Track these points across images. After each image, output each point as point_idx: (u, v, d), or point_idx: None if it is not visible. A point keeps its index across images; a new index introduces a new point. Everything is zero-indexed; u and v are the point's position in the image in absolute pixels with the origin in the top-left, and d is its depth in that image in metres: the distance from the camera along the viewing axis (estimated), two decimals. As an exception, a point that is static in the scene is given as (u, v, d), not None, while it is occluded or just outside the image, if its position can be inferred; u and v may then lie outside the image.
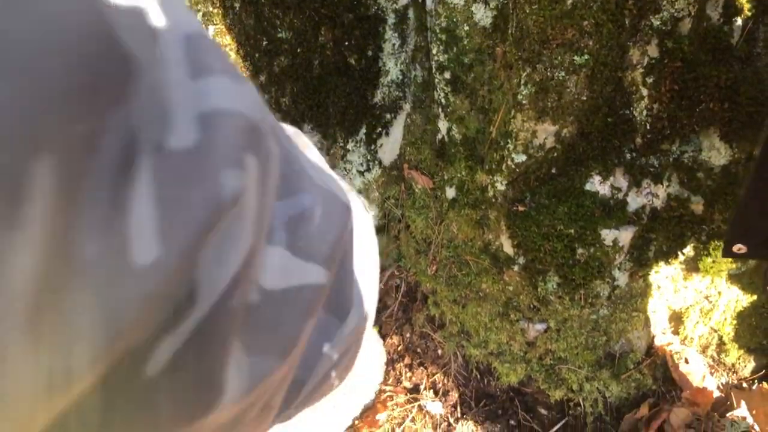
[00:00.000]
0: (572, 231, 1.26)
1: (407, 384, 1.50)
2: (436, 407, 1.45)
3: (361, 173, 1.45)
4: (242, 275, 0.24)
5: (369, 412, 1.48)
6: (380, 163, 1.48)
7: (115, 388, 0.21)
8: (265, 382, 0.28)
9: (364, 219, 0.39)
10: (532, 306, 1.36)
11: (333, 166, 1.37)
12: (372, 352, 1.49)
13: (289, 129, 0.37)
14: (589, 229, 1.25)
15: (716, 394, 1.41)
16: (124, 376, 0.21)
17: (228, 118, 0.23)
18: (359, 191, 1.49)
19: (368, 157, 1.44)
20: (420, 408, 1.45)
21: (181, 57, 0.22)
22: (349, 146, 1.37)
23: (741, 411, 1.36)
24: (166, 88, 0.21)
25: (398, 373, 1.53)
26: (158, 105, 0.20)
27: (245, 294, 0.25)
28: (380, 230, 1.60)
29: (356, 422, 1.48)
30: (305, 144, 0.37)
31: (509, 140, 1.24)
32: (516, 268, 1.34)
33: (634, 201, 1.25)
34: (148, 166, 0.19)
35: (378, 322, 1.56)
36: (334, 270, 0.33)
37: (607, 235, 1.25)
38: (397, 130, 1.46)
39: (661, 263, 1.32)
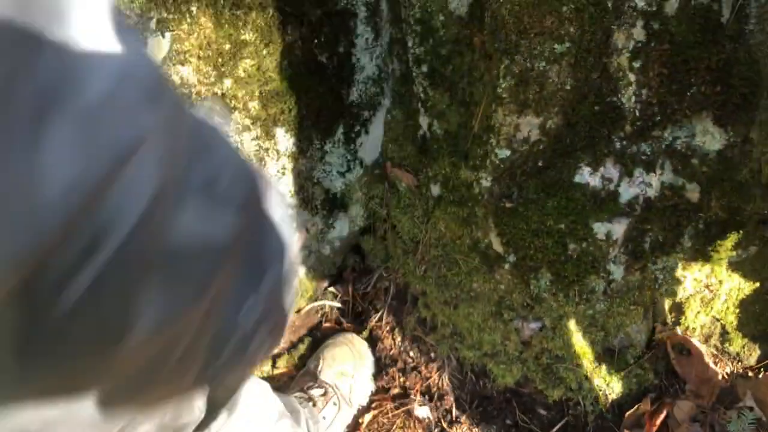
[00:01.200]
0: (563, 226, 1.22)
1: (396, 390, 1.47)
2: (423, 411, 1.42)
3: (342, 174, 1.41)
4: (152, 214, 0.26)
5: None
6: (361, 162, 1.43)
7: (30, 318, 0.23)
8: (177, 322, 0.30)
9: (276, 197, 0.43)
10: (525, 304, 1.33)
11: (311, 168, 1.33)
12: (364, 367, 1.46)
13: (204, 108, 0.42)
14: (580, 224, 1.21)
15: (721, 385, 1.38)
16: (40, 305, 0.23)
17: (134, 77, 0.26)
18: (342, 193, 1.45)
19: (348, 157, 1.40)
20: (408, 413, 1.42)
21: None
22: (327, 147, 1.33)
23: (748, 401, 1.33)
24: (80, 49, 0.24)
25: (391, 378, 1.49)
26: (72, 60, 0.23)
27: (156, 234, 0.27)
28: (366, 231, 1.56)
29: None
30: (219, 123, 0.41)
31: (492, 135, 1.19)
32: (507, 266, 1.30)
33: (627, 191, 1.21)
34: (62, 111, 0.22)
35: (368, 326, 1.53)
36: (246, 222, 0.35)
37: (600, 228, 1.21)
38: (377, 128, 1.41)
39: (658, 254, 1.27)
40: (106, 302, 0.25)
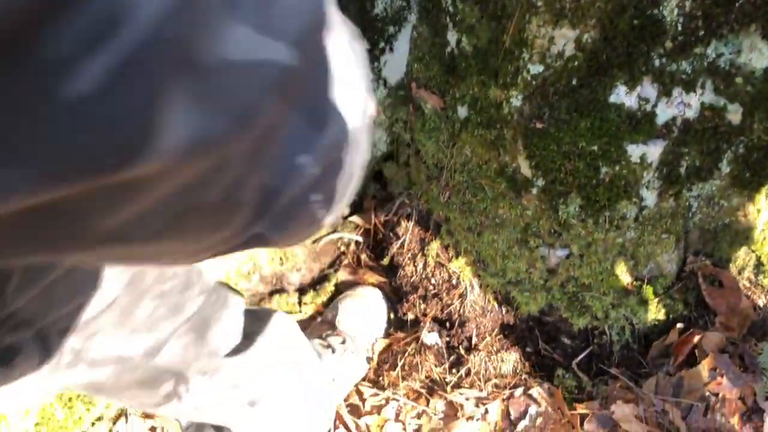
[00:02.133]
0: (595, 148, 1.17)
1: (412, 317, 1.46)
2: (431, 338, 1.42)
3: (365, 94, 1.37)
4: (189, 7, 0.22)
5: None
6: (385, 82, 1.39)
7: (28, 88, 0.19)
8: (216, 147, 0.26)
9: (345, 38, 0.37)
10: (552, 231, 1.30)
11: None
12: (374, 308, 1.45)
13: None
14: (614, 146, 1.16)
15: (753, 317, 1.35)
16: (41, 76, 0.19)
17: None
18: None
19: (371, 77, 1.35)
20: (419, 340, 1.42)
21: None
22: (350, 64, 1.28)
23: (779, 334, 1.30)
24: None
25: (411, 304, 1.48)
26: None
27: (193, 36, 0.22)
28: (389, 157, 1.53)
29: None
30: None
31: (524, 49, 1.14)
32: (535, 190, 1.26)
33: (664, 112, 1.16)
34: None
35: (389, 253, 1.51)
36: (306, 57, 0.30)
37: (634, 150, 1.16)
38: (403, 45, 1.36)
39: (694, 180, 1.23)
40: (126, 97, 0.21)
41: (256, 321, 1.06)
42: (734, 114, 1.15)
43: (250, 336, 1.02)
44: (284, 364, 1.09)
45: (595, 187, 1.20)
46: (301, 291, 1.53)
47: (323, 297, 1.53)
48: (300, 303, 1.52)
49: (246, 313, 1.04)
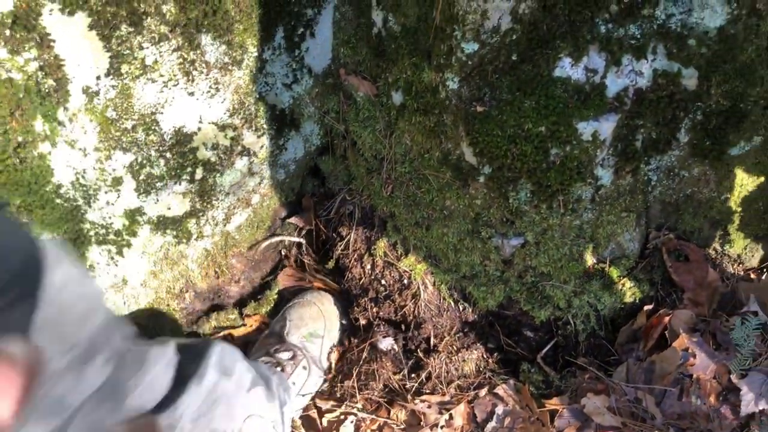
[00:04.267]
0: (543, 129, 1.07)
1: (365, 322, 1.36)
2: (386, 343, 1.33)
3: (288, 86, 1.24)
4: None
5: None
6: (310, 71, 1.26)
7: None
8: None
9: None
10: (504, 220, 1.20)
11: (251, 81, 1.16)
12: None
13: None
14: (562, 124, 1.07)
15: (722, 290, 1.28)
16: None
17: None
18: (290, 108, 1.28)
19: (293, 66, 1.22)
20: (373, 346, 1.32)
21: None
22: (266, 55, 1.15)
23: (752, 305, 1.23)
24: None
25: (363, 309, 1.38)
26: None
27: None
28: (324, 150, 1.41)
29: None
30: None
31: (456, 26, 1.03)
32: (482, 179, 1.16)
33: (614, 83, 1.06)
34: None
35: (334, 255, 1.41)
36: None
37: (585, 128, 1.07)
38: (325, 28, 1.23)
39: (651, 153, 1.14)
40: None
41: (191, 360, 0.95)
42: (690, 79, 1.06)
43: (183, 381, 0.92)
44: (224, 405, 0.99)
45: (545, 171, 1.10)
46: (241, 303, 1.42)
47: (266, 307, 1.42)
48: (242, 316, 1.40)
49: (181, 350, 0.93)
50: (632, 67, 1.06)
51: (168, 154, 1.13)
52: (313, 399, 1.33)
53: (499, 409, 1.30)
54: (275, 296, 1.43)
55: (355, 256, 1.37)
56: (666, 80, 1.06)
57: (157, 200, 1.17)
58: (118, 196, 1.11)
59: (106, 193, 1.09)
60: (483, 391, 1.31)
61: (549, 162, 1.10)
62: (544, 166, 1.10)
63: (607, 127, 1.07)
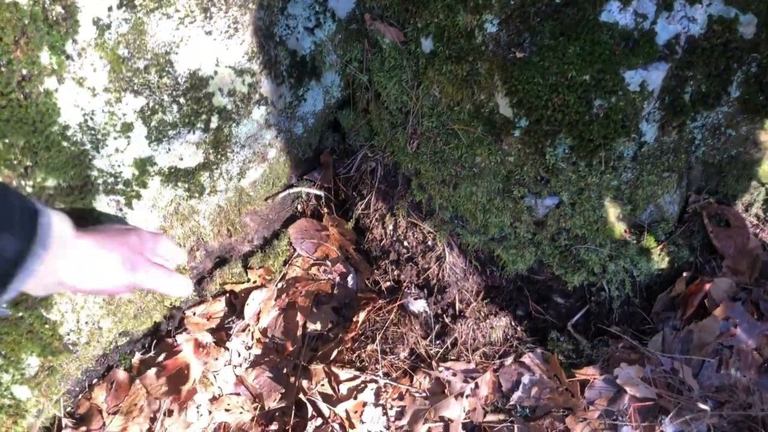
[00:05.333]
0: (587, 77, 1.00)
1: (387, 284, 1.30)
2: (418, 305, 1.26)
3: (310, 30, 1.17)
4: None
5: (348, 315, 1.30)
6: (333, 15, 1.19)
7: None
8: None
9: None
10: (539, 178, 1.14)
11: (271, 23, 1.09)
12: None
13: None
14: (608, 73, 1.00)
15: (764, 258, 1.22)
16: None
17: None
18: (312, 55, 1.20)
19: (316, 8, 1.15)
20: (402, 308, 1.26)
21: None
22: (289, -5, 1.08)
23: (793, 274, 1.18)
24: None
25: (383, 272, 1.32)
26: None
27: None
28: (345, 103, 1.34)
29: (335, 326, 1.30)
30: None
31: (498, -38, 0.95)
32: (517, 132, 1.09)
33: (665, 30, 0.99)
34: None
35: (354, 215, 1.34)
36: None
37: (632, 78, 1.00)
38: (351, -31, 1.16)
39: (699, 108, 1.07)
40: None
41: None
42: (747, 26, 0.99)
43: None
44: None
45: (587, 124, 1.04)
46: (248, 254, 1.35)
47: (273, 259, 1.36)
48: (246, 269, 1.34)
49: None
50: (685, 12, 0.99)
51: (182, 100, 1.06)
52: (329, 367, 1.28)
53: (526, 379, 1.24)
54: (285, 247, 1.36)
55: (377, 216, 1.30)
56: (721, 27, 0.99)
57: (169, 150, 1.10)
58: (128, 143, 1.04)
59: (115, 139, 1.02)
60: (509, 360, 1.25)
61: (592, 114, 1.03)
62: (586, 119, 1.03)
63: (656, 76, 1.00)
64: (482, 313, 1.25)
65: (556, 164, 1.10)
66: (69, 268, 0.80)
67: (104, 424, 1.26)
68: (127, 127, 1.02)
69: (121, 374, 1.31)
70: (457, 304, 1.26)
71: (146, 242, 0.95)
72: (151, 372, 1.29)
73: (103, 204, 1.07)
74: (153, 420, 1.28)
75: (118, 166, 1.05)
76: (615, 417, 1.17)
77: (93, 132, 0.99)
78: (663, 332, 1.19)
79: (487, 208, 1.19)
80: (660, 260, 1.19)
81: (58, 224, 0.76)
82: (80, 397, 1.29)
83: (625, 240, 1.18)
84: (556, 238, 1.18)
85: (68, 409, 1.28)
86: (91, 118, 0.97)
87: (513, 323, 1.26)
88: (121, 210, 1.10)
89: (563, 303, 1.23)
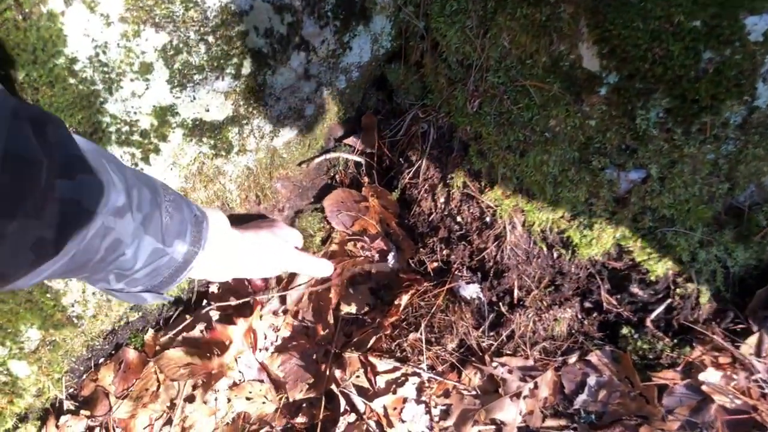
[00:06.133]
0: (698, 23, 0.84)
1: (435, 265, 1.15)
2: (471, 290, 1.11)
3: (362, -36, 1.01)
4: None
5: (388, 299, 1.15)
6: (388, -53, 1.03)
7: None
8: None
9: None
10: (624, 147, 0.97)
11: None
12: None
13: None
14: (725, 18, 0.83)
15: None
16: None
17: None
18: (361, -4, 1.05)
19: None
20: (452, 293, 1.11)
21: None
22: None
23: None
24: None
25: (430, 250, 1.17)
26: None
27: None
28: (394, 56, 1.17)
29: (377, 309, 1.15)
30: None
31: None
32: (603, 90, 0.93)
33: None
34: None
35: (400, 185, 1.19)
36: None
37: (755, 25, 0.83)
38: None
39: (827, 66, 0.90)
40: None
41: None
42: None
43: None
44: None
45: (692, 82, 0.87)
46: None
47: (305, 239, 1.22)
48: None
49: None
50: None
51: (210, 38, 0.91)
52: (365, 356, 1.13)
53: (592, 380, 1.09)
54: (318, 225, 1.22)
55: (426, 186, 1.15)
56: None
57: (194, 98, 0.96)
58: (147, 87, 0.90)
59: (132, 81, 0.88)
60: (573, 358, 1.10)
61: (699, 69, 0.86)
62: (692, 75, 0.86)
63: (783, 24, 0.83)
64: (545, 303, 1.10)
65: (647, 130, 0.93)
66: (231, 260, 0.93)
67: (111, 408, 1.13)
68: (146, 68, 0.88)
69: (131, 353, 1.18)
70: (516, 292, 1.11)
71: (280, 224, 1.09)
72: (171, 352, 1.16)
73: (116, 156, 0.93)
74: (172, 406, 1.14)
75: (135, 113, 0.91)
76: (699, 430, 1.01)
77: (106, 70, 0.84)
78: (760, 334, 1.02)
79: (559, 181, 1.02)
80: (760, 249, 1.02)
81: (215, 225, 0.88)
82: (85, 377, 1.16)
83: (720, 224, 1.01)
84: (639, 218, 1.02)
85: (71, 390, 1.15)
86: (104, 53, 0.82)
87: (580, 316, 1.11)
88: (136, 165, 0.96)
89: (641, 295, 1.07)
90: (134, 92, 0.89)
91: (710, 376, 1.02)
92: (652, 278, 1.04)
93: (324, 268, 1.10)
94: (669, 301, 1.06)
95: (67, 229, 0.59)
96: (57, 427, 1.11)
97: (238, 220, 1.10)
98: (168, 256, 0.77)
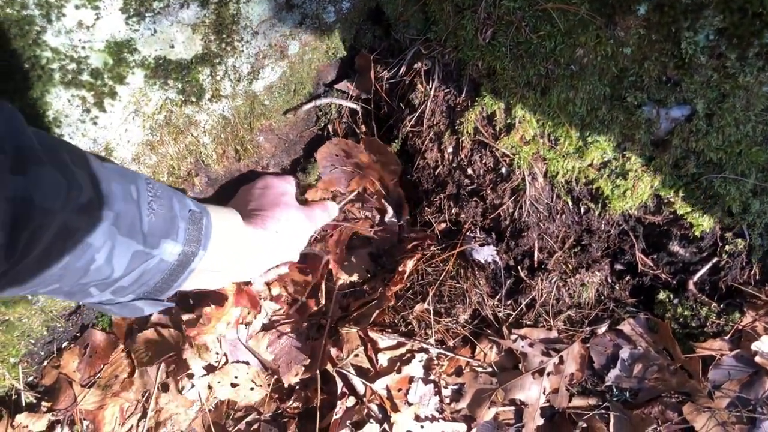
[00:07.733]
0: None
1: (443, 226, 1.02)
2: (485, 253, 0.98)
3: None
4: None
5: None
6: None
7: None
8: None
9: None
10: (665, 78, 0.84)
11: None
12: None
13: None
14: None
15: None
16: None
17: None
18: None
19: None
20: (463, 256, 0.99)
21: None
22: None
23: None
24: None
25: (437, 209, 1.04)
26: None
27: None
28: (392, -18, 1.03)
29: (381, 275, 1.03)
30: None
31: None
32: (642, 9, 0.80)
33: None
34: None
35: (400, 133, 1.05)
36: None
37: None
38: None
39: None
40: None
41: None
42: None
43: None
44: None
45: (753, -6, 0.73)
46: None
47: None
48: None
49: None
50: None
51: (170, -45, 0.77)
52: (365, 333, 1.00)
53: (625, 353, 0.97)
54: (314, 179, 1.09)
55: (431, 134, 1.01)
56: None
57: (155, 31, 0.82)
58: (97, 17, 0.76)
59: (77, 8, 0.74)
60: (603, 328, 0.98)
61: (763, -24, 0.73)
62: (753, -15, 0.73)
63: None
64: (570, 266, 0.97)
65: (694, 57, 0.80)
66: (246, 259, 0.89)
67: (76, 399, 1.00)
68: (93, -9, 0.74)
69: (98, 335, 1.05)
70: (537, 254, 0.98)
71: (279, 186, 0.99)
72: (144, 333, 1.03)
73: (62, 101, 0.79)
74: (147, 396, 1.02)
75: (83, 48, 0.77)
76: (752, 407, 0.89)
77: (41, -9, 0.70)
78: (822, 296, 0.90)
79: (587, 122, 0.89)
80: (823, 198, 0.89)
81: (221, 222, 0.81)
82: (46, 364, 1.04)
83: (776, 169, 0.88)
84: (681, 164, 0.89)
85: (30, 378, 1.03)
86: (36, -32, 0.68)
87: (610, 279, 0.98)
88: (88, 111, 0.82)
89: (683, 254, 0.94)
90: (81, 22, 0.75)
91: (764, 345, 0.90)
92: (696, 234, 0.92)
93: (333, 212, 1.06)
94: (715, 260, 0.94)
95: (18, 230, 0.52)
96: (12, 427, 0.98)
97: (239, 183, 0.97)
98: (155, 259, 0.70)
